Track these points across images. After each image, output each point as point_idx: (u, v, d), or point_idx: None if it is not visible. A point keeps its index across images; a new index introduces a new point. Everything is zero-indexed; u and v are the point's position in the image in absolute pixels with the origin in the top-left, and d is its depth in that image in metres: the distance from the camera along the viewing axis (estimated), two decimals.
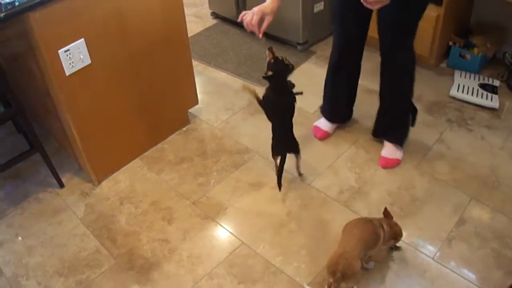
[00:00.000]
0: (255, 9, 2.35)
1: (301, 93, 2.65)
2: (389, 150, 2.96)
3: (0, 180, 3.04)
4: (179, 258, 2.50)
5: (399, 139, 2.96)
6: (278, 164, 2.73)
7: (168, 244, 2.57)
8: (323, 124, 3.16)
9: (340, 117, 3.17)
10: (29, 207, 2.85)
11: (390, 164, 2.92)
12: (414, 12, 2.48)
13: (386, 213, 2.34)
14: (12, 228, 2.74)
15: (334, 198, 2.73)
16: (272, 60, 2.47)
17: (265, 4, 2.37)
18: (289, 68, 2.51)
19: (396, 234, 2.32)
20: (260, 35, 2.39)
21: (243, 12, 2.38)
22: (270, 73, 2.46)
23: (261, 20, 2.37)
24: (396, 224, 2.33)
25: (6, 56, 2.90)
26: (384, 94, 2.86)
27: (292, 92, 2.61)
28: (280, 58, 2.48)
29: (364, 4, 2.17)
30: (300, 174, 2.86)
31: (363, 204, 2.68)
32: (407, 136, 2.97)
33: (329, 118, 3.16)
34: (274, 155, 2.74)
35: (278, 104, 2.60)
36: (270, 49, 2.49)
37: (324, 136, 3.13)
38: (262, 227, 2.61)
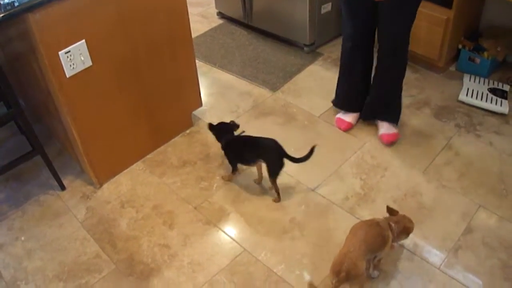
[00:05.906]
0: None
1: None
2: (386, 127, 3.06)
3: (2, 181, 3.01)
4: (179, 264, 2.46)
5: (395, 118, 3.06)
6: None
7: (169, 249, 2.53)
8: (345, 115, 3.17)
9: (357, 107, 3.16)
10: (30, 209, 2.83)
11: (393, 138, 3.02)
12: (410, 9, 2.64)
13: (390, 210, 2.32)
14: (12, 231, 2.71)
15: (339, 204, 2.69)
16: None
17: None
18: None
19: (407, 228, 2.29)
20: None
21: None
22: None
23: None
24: (404, 217, 2.31)
25: (9, 56, 2.88)
26: (380, 79, 2.98)
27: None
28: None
29: None
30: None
31: (369, 211, 2.63)
32: (400, 115, 3.08)
33: (348, 109, 3.17)
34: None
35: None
36: None
37: (349, 127, 3.15)
38: (264, 234, 2.57)
